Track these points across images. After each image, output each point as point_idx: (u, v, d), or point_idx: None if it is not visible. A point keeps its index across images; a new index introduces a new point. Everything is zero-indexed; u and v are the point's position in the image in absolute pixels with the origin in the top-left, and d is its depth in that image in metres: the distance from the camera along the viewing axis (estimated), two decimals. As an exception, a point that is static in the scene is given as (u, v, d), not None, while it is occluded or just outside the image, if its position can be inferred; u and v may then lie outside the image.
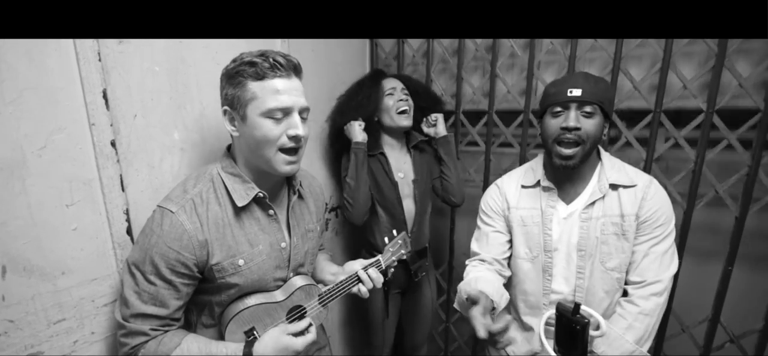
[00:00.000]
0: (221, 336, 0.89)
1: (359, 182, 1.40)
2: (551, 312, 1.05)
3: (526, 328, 1.20)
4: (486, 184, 1.68)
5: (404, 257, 1.16)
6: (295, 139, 0.83)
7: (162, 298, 0.81)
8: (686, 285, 1.45)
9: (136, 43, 0.89)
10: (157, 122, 0.95)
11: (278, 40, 1.28)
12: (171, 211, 0.80)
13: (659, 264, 1.03)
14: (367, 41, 1.82)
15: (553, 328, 0.97)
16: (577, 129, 0.98)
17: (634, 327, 1.02)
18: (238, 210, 0.87)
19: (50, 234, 0.79)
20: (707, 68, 1.25)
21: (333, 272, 1.11)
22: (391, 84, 1.47)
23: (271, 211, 0.91)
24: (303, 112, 0.85)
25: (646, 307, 1.02)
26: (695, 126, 1.30)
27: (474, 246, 1.25)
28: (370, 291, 1.04)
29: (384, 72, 1.57)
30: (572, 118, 0.98)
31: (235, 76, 0.81)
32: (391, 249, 1.12)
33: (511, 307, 1.26)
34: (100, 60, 0.82)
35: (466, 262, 1.22)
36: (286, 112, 0.81)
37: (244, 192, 0.86)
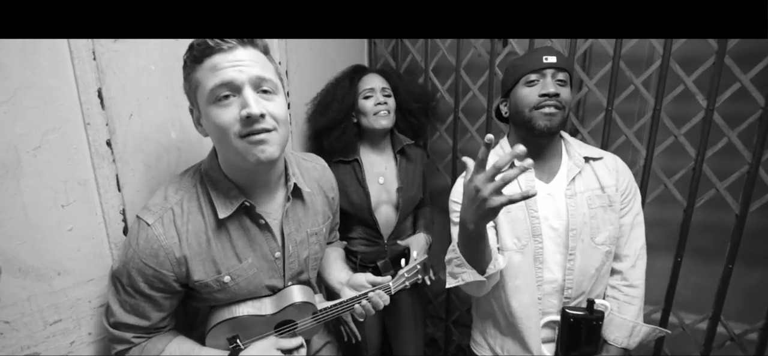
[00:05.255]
0: (202, 337, 0.87)
1: None
2: (547, 319, 1.06)
3: (517, 335, 1.09)
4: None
5: (419, 283, 1.09)
6: (248, 120, 0.66)
7: (142, 311, 0.79)
8: (687, 284, 1.45)
9: (132, 42, 0.88)
10: (154, 121, 0.94)
11: (275, 40, 1.27)
12: (147, 224, 0.74)
13: (639, 232, 1.08)
14: (364, 39, 1.82)
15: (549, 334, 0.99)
16: (557, 95, 0.98)
17: (633, 303, 1.07)
18: (222, 221, 0.78)
19: (46, 235, 0.78)
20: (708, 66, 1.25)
21: (340, 280, 1.05)
22: (369, 84, 1.36)
23: (261, 220, 0.82)
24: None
25: (634, 279, 1.07)
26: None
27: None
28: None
29: (364, 68, 1.45)
30: (550, 84, 0.98)
31: (183, 70, 0.72)
32: (406, 274, 1.04)
33: (500, 315, 1.12)
34: (94, 59, 0.81)
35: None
36: (232, 88, 0.67)
37: (229, 202, 0.77)
